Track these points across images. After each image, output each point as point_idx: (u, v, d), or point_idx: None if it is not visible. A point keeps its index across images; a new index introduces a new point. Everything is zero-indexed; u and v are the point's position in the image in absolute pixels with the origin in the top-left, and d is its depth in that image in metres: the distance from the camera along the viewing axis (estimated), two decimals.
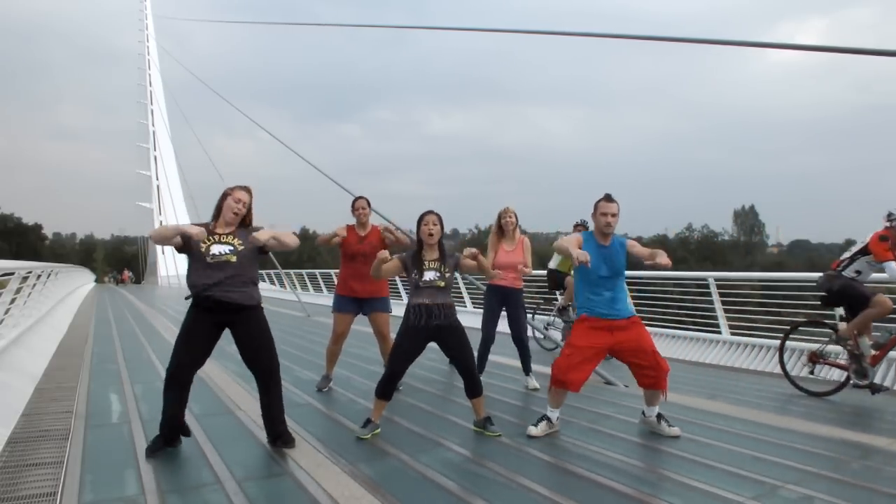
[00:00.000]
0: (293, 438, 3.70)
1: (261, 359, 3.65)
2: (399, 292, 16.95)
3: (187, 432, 3.69)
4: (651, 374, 3.93)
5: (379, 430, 3.95)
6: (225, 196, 3.66)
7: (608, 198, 4.03)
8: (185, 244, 3.52)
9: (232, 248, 3.58)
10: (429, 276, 3.91)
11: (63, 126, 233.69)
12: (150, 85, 58.21)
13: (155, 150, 56.87)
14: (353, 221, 5.42)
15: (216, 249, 3.54)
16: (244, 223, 3.72)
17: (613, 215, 3.97)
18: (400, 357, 3.95)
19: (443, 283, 3.91)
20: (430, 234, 3.95)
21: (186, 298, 3.60)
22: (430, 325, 3.88)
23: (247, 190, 3.73)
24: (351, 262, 5.34)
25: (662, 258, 3.83)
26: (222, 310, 3.53)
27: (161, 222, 55.76)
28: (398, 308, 7.02)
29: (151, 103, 57.69)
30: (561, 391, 3.99)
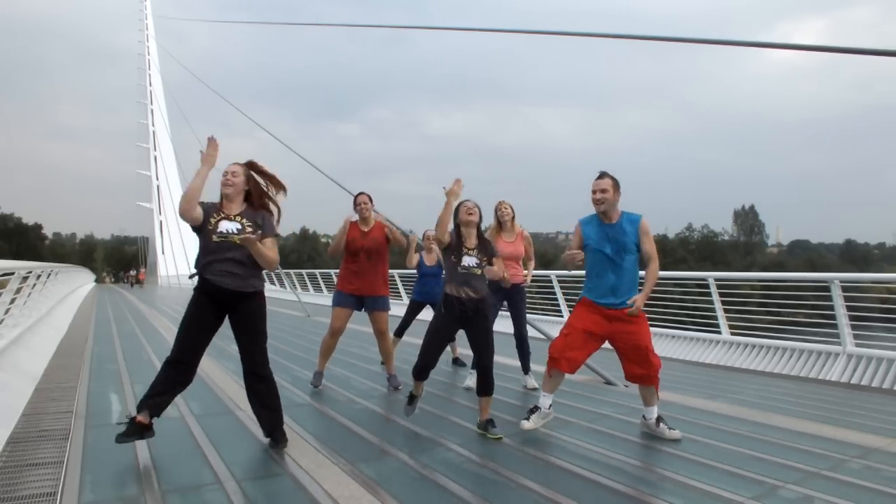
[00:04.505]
0: (286, 438, 3.68)
1: (254, 348, 3.61)
2: (399, 292, 16.94)
3: (152, 432, 3.51)
4: (641, 370, 3.93)
5: (422, 392, 4.21)
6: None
7: (599, 175, 3.95)
8: (202, 220, 3.47)
9: (240, 227, 3.51)
10: (468, 261, 3.95)
11: (62, 126, 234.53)
12: (150, 85, 58.19)
13: (155, 150, 56.83)
14: (353, 217, 5.38)
15: (224, 227, 3.49)
16: (251, 203, 3.62)
17: (603, 191, 3.88)
18: (433, 347, 4.02)
19: (479, 272, 3.95)
20: (470, 214, 4.00)
21: (191, 277, 3.59)
22: (465, 317, 3.94)
23: (241, 164, 3.63)
24: (353, 258, 5.31)
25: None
26: (223, 296, 3.49)
27: (161, 223, 55.77)
28: (398, 308, 7.07)
29: (151, 103, 57.66)
30: (557, 374, 3.99)
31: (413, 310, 6.90)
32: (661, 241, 76.40)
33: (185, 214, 3.44)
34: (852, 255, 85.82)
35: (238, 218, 3.54)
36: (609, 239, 3.90)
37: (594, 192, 3.91)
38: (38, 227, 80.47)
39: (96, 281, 46.10)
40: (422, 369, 4.05)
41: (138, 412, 3.48)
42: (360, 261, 5.28)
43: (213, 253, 3.46)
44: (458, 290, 3.94)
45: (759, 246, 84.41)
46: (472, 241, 4.02)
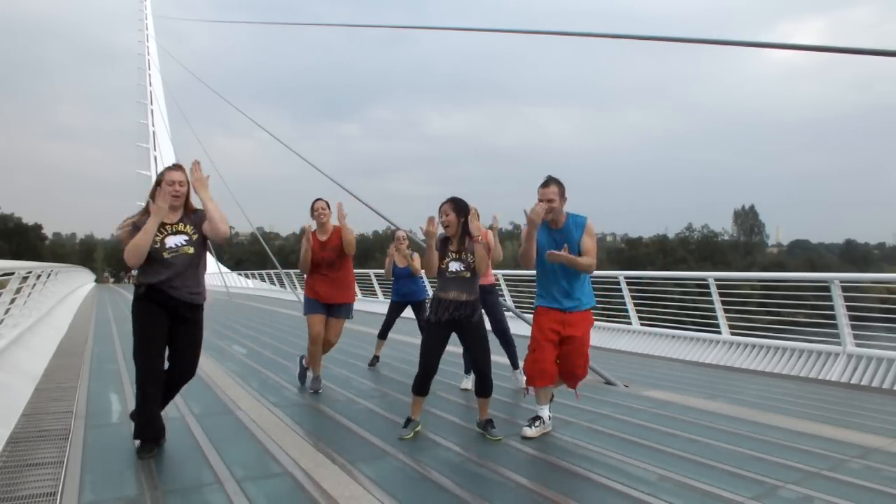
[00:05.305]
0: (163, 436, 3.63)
1: (188, 360, 3.60)
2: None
3: (163, 437, 3.59)
4: (569, 371, 4.03)
5: (420, 426, 4.00)
6: (159, 182, 3.48)
7: (545, 182, 3.89)
8: None
9: (187, 237, 3.47)
10: (454, 266, 3.90)
11: (62, 126, 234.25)
12: (150, 85, 58.15)
13: (155, 150, 56.76)
14: (311, 227, 5.22)
15: (172, 242, 3.43)
16: (187, 207, 3.57)
17: (550, 200, 3.85)
18: (430, 352, 3.96)
19: (468, 274, 3.90)
20: (446, 226, 3.91)
21: (137, 287, 3.46)
22: (453, 320, 3.89)
23: (179, 169, 3.55)
24: (316, 268, 5.23)
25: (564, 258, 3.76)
26: (177, 306, 3.47)
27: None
28: (379, 306, 7.08)
29: (151, 103, 57.61)
30: (541, 388, 4.00)
31: (393, 310, 6.91)
32: (662, 242, 76.50)
33: (134, 266, 3.37)
34: (852, 255, 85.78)
35: (181, 227, 3.50)
36: (557, 244, 3.86)
37: (542, 200, 3.87)
38: (38, 227, 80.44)
39: (96, 281, 46.06)
40: (422, 379, 3.93)
41: (144, 436, 3.49)
42: (321, 270, 5.21)
43: (167, 269, 3.40)
44: (447, 295, 3.91)
45: (759, 246, 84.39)
46: (456, 244, 3.96)
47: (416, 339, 6.93)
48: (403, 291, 6.83)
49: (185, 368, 3.62)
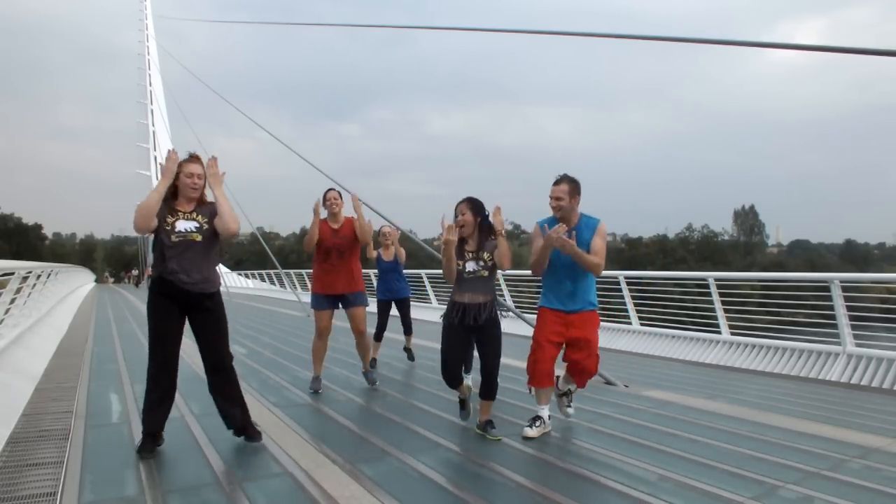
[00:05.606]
0: (259, 433, 3.70)
1: (217, 347, 3.60)
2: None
3: (162, 438, 3.56)
4: (580, 368, 4.04)
5: (472, 390, 4.14)
6: (177, 174, 3.50)
7: (557, 180, 3.96)
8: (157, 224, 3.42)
9: (198, 225, 3.49)
10: (471, 266, 3.89)
11: (62, 126, 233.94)
12: (150, 85, 58.11)
13: (155, 150, 56.73)
14: (322, 209, 5.24)
15: (181, 226, 3.45)
16: (201, 199, 3.60)
17: (558, 198, 3.90)
18: (450, 357, 3.97)
19: (486, 273, 3.90)
20: (462, 226, 3.90)
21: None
22: (470, 323, 3.88)
23: (197, 161, 3.57)
24: (325, 257, 5.23)
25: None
26: (186, 297, 3.48)
27: None
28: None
29: (151, 103, 57.57)
30: (541, 389, 4.01)
31: (383, 310, 6.87)
32: (662, 242, 76.49)
33: (142, 229, 3.38)
34: (852, 255, 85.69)
35: (194, 215, 3.53)
36: None
37: (551, 198, 3.92)
38: (38, 227, 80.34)
39: (96, 281, 46.02)
40: (450, 381, 4.01)
41: (146, 428, 3.50)
42: (331, 259, 5.22)
43: (173, 255, 3.43)
44: (463, 297, 3.90)
45: (759, 246, 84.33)
46: (472, 243, 3.95)
47: (414, 339, 7.00)
48: (388, 289, 6.84)
49: (214, 356, 3.62)
